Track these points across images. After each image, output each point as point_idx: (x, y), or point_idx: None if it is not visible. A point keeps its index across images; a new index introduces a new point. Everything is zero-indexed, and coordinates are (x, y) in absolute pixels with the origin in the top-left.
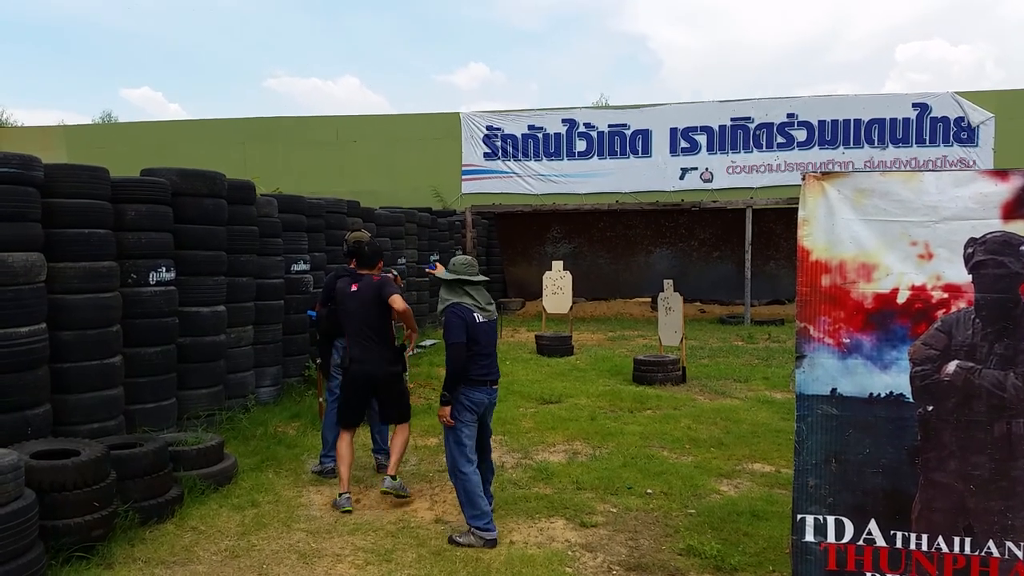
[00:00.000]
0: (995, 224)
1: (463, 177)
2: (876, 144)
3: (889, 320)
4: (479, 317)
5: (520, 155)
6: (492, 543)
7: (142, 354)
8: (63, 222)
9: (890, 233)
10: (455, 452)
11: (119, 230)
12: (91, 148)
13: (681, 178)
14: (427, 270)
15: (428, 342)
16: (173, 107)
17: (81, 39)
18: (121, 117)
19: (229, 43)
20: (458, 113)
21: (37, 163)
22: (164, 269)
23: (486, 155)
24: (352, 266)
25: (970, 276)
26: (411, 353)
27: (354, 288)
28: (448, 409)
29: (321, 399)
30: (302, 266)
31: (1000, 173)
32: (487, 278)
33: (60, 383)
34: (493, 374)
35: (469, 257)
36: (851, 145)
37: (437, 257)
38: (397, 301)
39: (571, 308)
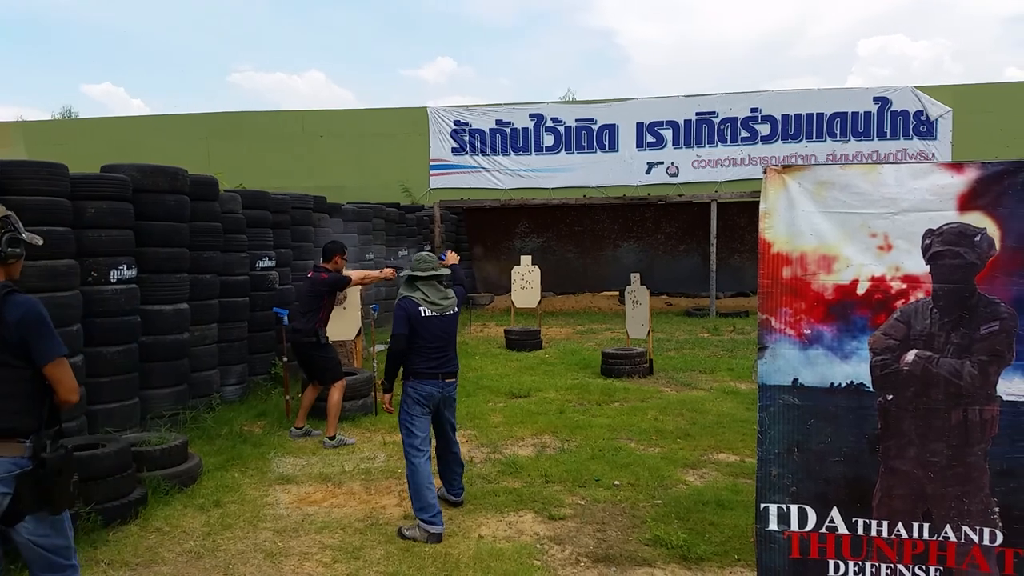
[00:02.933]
0: (951, 215)
1: (431, 172)
2: (838, 137)
3: (849, 311)
4: (426, 311)
5: (488, 150)
6: (436, 537)
7: (103, 353)
8: (21, 220)
9: (850, 225)
10: (404, 442)
11: (78, 227)
12: (50, 144)
13: (647, 172)
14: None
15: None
16: (136, 102)
17: (39, 33)
18: (82, 113)
19: (193, 37)
20: (426, 108)
21: None
22: (125, 267)
23: (454, 150)
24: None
25: (928, 267)
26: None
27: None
28: (388, 397)
29: (288, 397)
30: (267, 263)
31: (956, 165)
32: (440, 272)
33: None
34: (446, 367)
35: (424, 254)
36: (814, 139)
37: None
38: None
39: (540, 302)
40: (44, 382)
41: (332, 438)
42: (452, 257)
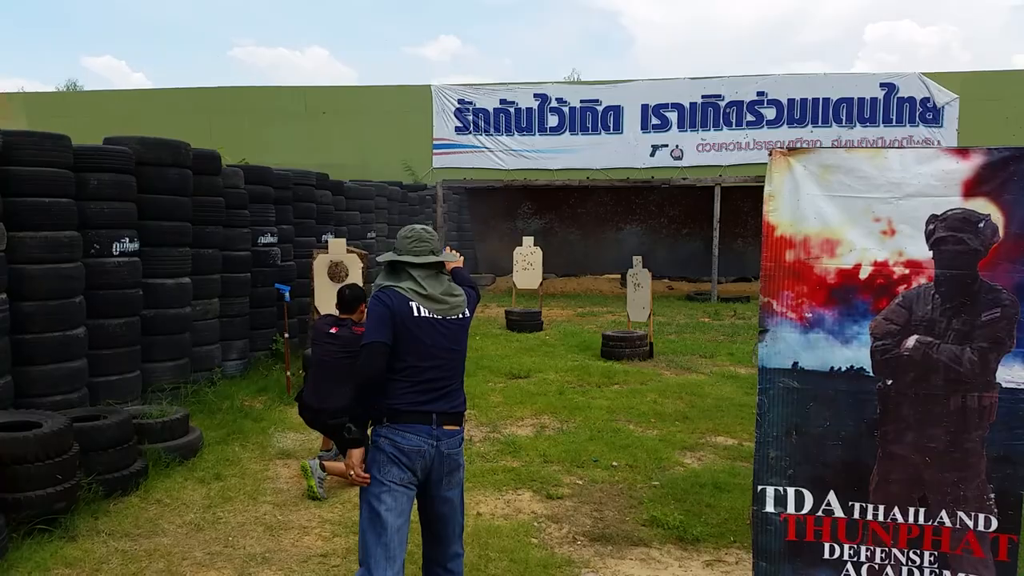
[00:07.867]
0: (956, 201)
1: (434, 151)
2: (844, 123)
3: (851, 295)
4: (421, 310)
5: (492, 130)
6: None
7: (106, 326)
8: (23, 191)
9: (854, 209)
10: (366, 532)
11: (81, 199)
12: (52, 116)
13: (652, 155)
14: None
15: None
16: (137, 76)
17: (41, 6)
18: (84, 86)
19: (194, 11)
20: (429, 86)
21: None
22: (127, 240)
23: (457, 129)
24: None
25: (931, 252)
26: None
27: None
28: (359, 454)
29: (288, 373)
30: (269, 238)
31: (961, 151)
32: (441, 257)
33: (22, 355)
34: (445, 402)
35: (420, 228)
36: (819, 124)
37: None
38: None
39: (541, 284)
40: None
41: None
42: (453, 258)
